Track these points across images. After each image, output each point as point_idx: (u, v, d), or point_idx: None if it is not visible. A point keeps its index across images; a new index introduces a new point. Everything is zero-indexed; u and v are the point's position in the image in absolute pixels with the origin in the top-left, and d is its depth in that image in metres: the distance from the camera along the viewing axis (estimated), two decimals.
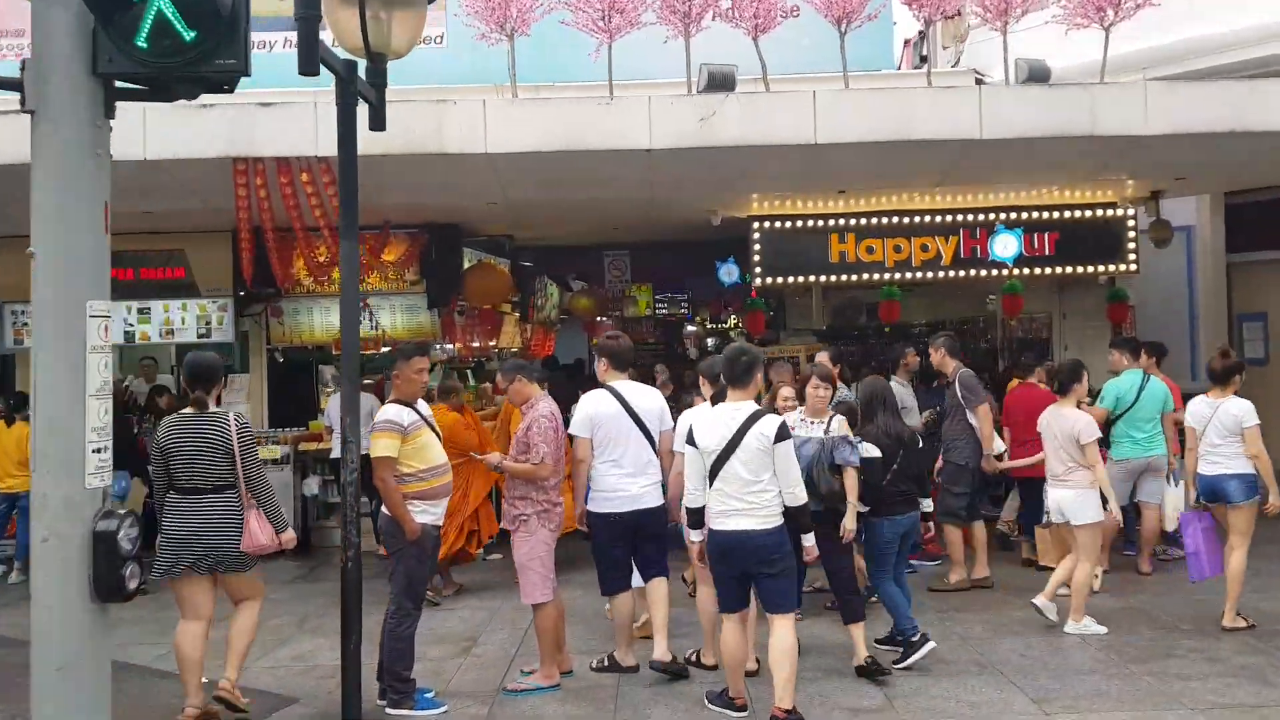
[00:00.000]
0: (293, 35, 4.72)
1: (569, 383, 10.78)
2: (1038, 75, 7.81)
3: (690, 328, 16.16)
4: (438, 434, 5.44)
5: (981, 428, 7.50)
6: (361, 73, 5.05)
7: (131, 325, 10.35)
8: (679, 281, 15.16)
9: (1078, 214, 10.24)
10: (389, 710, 5.26)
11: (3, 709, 5.32)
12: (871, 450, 5.80)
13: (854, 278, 10.47)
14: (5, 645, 6.52)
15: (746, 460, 4.79)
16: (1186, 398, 8.66)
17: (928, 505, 6.27)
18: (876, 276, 10.40)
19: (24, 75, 3.58)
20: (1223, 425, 6.35)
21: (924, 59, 12.48)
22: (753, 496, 4.81)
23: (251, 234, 8.39)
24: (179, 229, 10.03)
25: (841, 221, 10.30)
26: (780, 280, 10.47)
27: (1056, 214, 10.22)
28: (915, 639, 5.78)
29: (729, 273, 11.29)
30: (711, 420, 4.97)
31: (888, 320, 11.20)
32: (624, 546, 5.72)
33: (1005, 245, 9.98)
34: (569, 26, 8.09)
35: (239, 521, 5.05)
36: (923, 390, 9.24)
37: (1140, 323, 11.14)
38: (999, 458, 7.63)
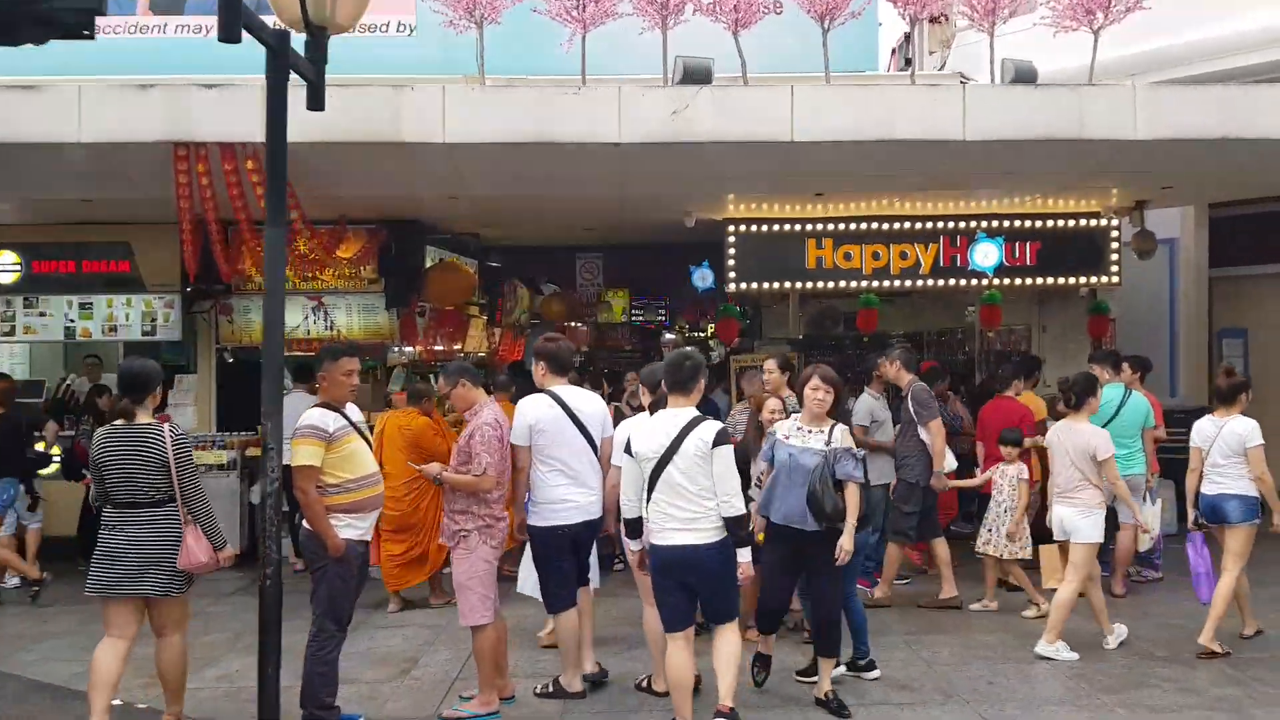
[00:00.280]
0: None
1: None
2: (1024, 77, 7.48)
3: (669, 335, 15.71)
4: (368, 440, 5.02)
5: (934, 443, 7.21)
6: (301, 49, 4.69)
7: (73, 321, 9.92)
8: (658, 287, 14.77)
9: (1060, 223, 10.01)
10: None
11: None
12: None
13: (831, 284, 10.21)
14: None
15: (685, 468, 4.57)
16: (1167, 414, 8.45)
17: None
18: (854, 284, 10.14)
19: None
20: (1227, 445, 6.17)
21: (909, 62, 12.16)
22: (693, 507, 4.56)
23: (195, 225, 7.90)
24: (123, 219, 9.56)
25: (819, 226, 10.05)
26: (755, 286, 10.19)
27: (1039, 223, 10.01)
28: (863, 663, 5.76)
29: (703, 277, 10.92)
30: (650, 428, 4.75)
31: (866, 330, 10.88)
32: (571, 559, 5.39)
33: (986, 254, 9.75)
34: (541, 15, 7.70)
35: (178, 537, 4.70)
36: (897, 403, 8.89)
37: (1120, 337, 10.89)
38: (952, 475, 7.38)
